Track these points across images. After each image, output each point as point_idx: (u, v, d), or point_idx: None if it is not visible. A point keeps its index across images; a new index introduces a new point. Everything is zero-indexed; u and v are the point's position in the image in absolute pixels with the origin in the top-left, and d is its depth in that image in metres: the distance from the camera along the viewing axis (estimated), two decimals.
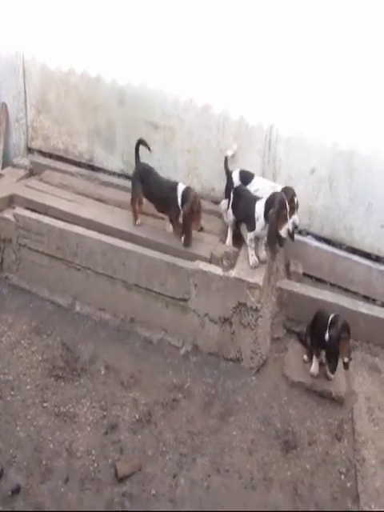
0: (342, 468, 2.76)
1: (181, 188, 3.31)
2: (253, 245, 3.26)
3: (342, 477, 2.72)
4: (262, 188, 3.42)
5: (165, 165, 4.03)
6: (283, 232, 3.11)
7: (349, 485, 2.68)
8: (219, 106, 3.81)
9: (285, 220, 3.09)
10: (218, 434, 2.83)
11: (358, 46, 3.37)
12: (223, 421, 2.90)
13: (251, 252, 3.26)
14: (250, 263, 3.25)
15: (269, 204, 3.10)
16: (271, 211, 3.06)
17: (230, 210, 3.43)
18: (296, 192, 3.41)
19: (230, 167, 3.70)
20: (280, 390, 3.13)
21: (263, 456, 2.75)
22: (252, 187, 3.45)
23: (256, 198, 3.23)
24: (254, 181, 3.52)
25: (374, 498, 2.63)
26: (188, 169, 4.05)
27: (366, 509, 2.58)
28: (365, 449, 2.85)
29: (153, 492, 2.54)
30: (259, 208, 3.15)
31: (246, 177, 3.55)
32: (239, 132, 3.82)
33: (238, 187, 3.44)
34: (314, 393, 3.12)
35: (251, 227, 3.23)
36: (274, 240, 3.16)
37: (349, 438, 2.90)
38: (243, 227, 3.47)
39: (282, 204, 3.07)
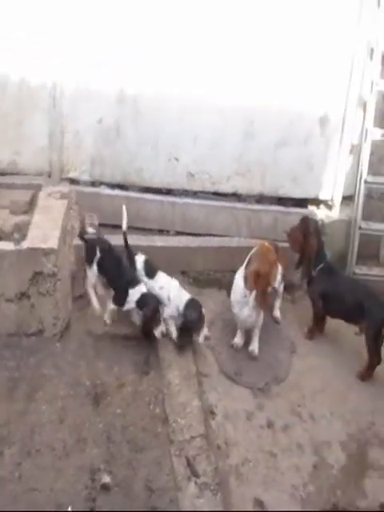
0: (151, 398, 2.91)
1: None
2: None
3: (151, 406, 2.88)
4: (166, 286, 3.32)
5: None
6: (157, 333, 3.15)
7: (158, 411, 2.85)
8: None
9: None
10: (26, 416, 2.79)
11: None
12: (30, 400, 2.87)
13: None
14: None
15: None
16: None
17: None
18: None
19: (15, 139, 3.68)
20: (86, 346, 3.15)
21: (75, 419, 2.78)
22: (156, 283, 3.32)
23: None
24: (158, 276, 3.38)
25: (180, 411, 2.82)
26: None
27: (174, 425, 2.77)
28: (170, 372, 3.02)
29: None
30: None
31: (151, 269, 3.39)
32: (20, 93, 3.69)
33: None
34: (119, 338, 3.20)
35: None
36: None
37: (155, 369, 3.04)
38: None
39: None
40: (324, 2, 3.64)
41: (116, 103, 3.75)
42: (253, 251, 3.37)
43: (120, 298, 3.13)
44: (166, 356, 3.10)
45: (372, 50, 3.82)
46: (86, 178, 3.96)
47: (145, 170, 3.95)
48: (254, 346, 3.31)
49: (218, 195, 4.08)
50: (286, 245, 3.65)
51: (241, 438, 2.83)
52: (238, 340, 3.33)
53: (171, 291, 3.25)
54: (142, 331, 3.06)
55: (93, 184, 4.00)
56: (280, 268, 3.44)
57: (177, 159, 3.95)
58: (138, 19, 3.56)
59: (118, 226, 3.93)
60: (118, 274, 3.20)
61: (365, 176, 4.00)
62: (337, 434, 2.91)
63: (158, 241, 3.76)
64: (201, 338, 3.15)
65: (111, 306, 3.24)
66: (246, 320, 3.25)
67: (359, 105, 3.98)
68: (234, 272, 3.49)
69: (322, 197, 4.20)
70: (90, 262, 3.24)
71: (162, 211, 3.99)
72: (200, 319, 3.13)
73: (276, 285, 3.43)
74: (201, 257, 3.75)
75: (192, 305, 3.19)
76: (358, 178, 4.06)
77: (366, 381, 3.26)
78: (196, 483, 2.54)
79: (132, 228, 3.93)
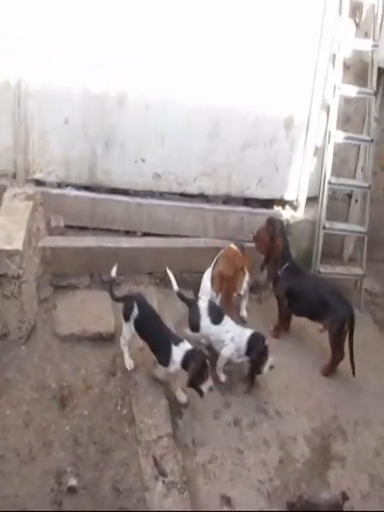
0: (118, 400, 2.89)
1: None
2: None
3: (118, 407, 2.86)
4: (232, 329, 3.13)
5: None
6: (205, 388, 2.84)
7: (125, 412, 2.84)
8: None
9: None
10: None
11: None
12: None
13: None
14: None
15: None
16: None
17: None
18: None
19: None
20: (52, 348, 3.12)
21: (41, 422, 2.75)
22: (223, 328, 3.11)
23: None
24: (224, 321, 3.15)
25: (147, 411, 2.82)
26: None
27: (142, 425, 2.77)
28: (137, 373, 3.01)
29: None
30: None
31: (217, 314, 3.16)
32: None
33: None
34: (85, 340, 3.17)
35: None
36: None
37: (123, 369, 3.03)
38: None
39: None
40: (289, 8, 3.73)
41: (82, 103, 3.70)
42: (220, 253, 3.40)
43: (163, 359, 2.86)
44: (134, 356, 3.08)
45: (334, 56, 3.94)
46: (52, 179, 3.90)
47: (112, 171, 3.92)
48: None
49: (184, 196, 4.10)
50: (252, 245, 3.72)
51: (208, 436, 2.85)
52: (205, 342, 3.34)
53: (234, 332, 3.09)
54: (189, 386, 2.82)
55: (59, 185, 3.94)
56: (246, 274, 3.49)
57: (143, 160, 3.94)
58: (103, 17, 3.54)
59: (84, 228, 3.93)
60: (157, 332, 2.93)
61: (328, 177, 4.11)
62: (302, 429, 2.97)
63: (125, 242, 3.74)
64: (265, 369, 3.04)
65: (159, 370, 2.97)
66: None
67: (323, 108, 4.09)
68: (201, 273, 3.53)
69: (287, 197, 4.29)
70: (127, 317, 2.96)
71: (128, 212, 3.97)
72: (265, 352, 3.02)
73: (242, 292, 3.48)
74: (167, 258, 3.74)
75: (255, 339, 3.05)
76: (322, 180, 4.17)
77: (329, 376, 3.34)
78: (163, 482, 2.55)
79: (98, 229, 3.95)
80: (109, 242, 3.71)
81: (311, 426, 3.01)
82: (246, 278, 3.53)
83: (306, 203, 4.26)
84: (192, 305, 3.15)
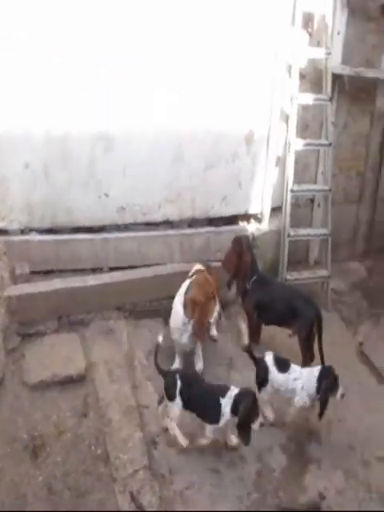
0: (91, 440, 2.83)
1: None
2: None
3: (93, 447, 2.80)
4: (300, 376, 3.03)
5: None
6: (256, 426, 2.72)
7: (99, 451, 2.78)
8: None
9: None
10: None
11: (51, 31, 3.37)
12: None
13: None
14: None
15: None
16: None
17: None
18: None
19: None
20: (21, 399, 3.06)
21: (13, 477, 2.67)
22: (291, 376, 3.02)
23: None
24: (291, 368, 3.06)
25: (122, 447, 2.76)
26: None
27: (117, 462, 2.71)
28: (110, 410, 2.96)
29: None
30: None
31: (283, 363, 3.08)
32: None
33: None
34: (55, 384, 3.12)
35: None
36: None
37: (95, 409, 2.99)
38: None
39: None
40: (244, 24, 3.79)
41: (43, 145, 3.65)
42: (191, 278, 3.37)
43: (213, 418, 2.76)
44: (104, 395, 3.05)
45: (290, 67, 4.02)
46: (14, 226, 3.83)
47: (75, 209, 3.87)
48: (200, 365, 3.32)
49: (149, 225, 4.09)
50: (219, 264, 3.70)
51: (184, 462, 2.79)
52: (177, 365, 3.31)
53: (302, 379, 2.99)
54: (240, 429, 2.70)
55: (22, 231, 3.87)
56: (217, 302, 3.47)
57: (107, 195, 3.92)
58: (59, 55, 3.48)
59: (50, 272, 3.91)
60: (204, 395, 2.81)
61: (290, 185, 4.13)
62: (277, 438, 2.92)
63: (91, 280, 3.71)
64: (338, 397, 2.92)
65: (208, 432, 2.84)
66: (186, 345, 3.26)
67: (282, 119, 4.15)
68: (171, 299, 3.51)
69: (251, 211, 4.29)
70: (172, 396, 2.81)
71: (94, 249, 3.94)
72: (336, 384, 2.93)
73: (212, 320, 3.46)
74: (135, 289, 3.73)
75: (324, 375, 2.95)
76: (285, 188, 4.17)
77: None
78: None
79: (65, 271, 3.93)
80: (75, 281, 3.68)
81: (286, 434, 2.98)
82: (217, 307, 3.51)
83: (271, 214, 4.28)
84: (259, 361, 3.05)
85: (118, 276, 3.79)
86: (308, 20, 4.06)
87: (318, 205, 4.40)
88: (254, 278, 3.52)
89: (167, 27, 3.62)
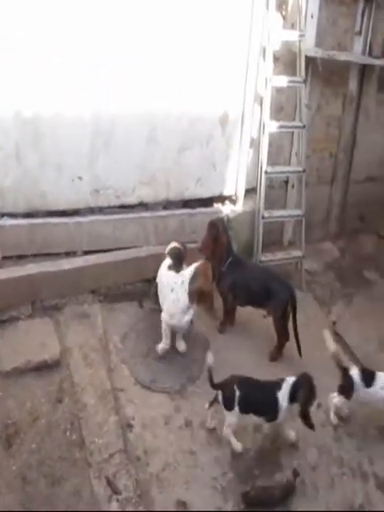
0: (67, 426, 2.81)
1: None
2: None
3: (68, 433, 2.78)
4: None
5: None
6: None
7: (74, 437, 2.76)
8: None
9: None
10: None
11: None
12: None
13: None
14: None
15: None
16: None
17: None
18: None
19: None
20: None
21: None
22: (377, 385, 2.95)
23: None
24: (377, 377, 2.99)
25: (97, 431, 2.75)
26: None
27: (92, 446, 2.70)
28: (85, 395, 2.94)
29: None
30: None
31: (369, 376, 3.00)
32: None
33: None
34: (29, 371, 3.07)
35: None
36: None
37: (70, 394, 2.96)
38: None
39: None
40: (218, 5, 3.72)
41: (14, 127, 3.54)
42: (192, 268, 3.26)
43: (273, 415, 2.76)
44: (79, 380, 3.03)
45: (264, 49, 3.97)
46: None
47: (49, 193, 3.81)
48: (182, 347, 3.34)
49: (124, 207, 4.04)
50: (194, 245, 3.69)
51: (160, 444, 2.80)
52: (166, 345, 3.29)
53: None
54: (303, 414, 2.70)
55: None
56: None
57: (80, 178, 3.85)
58: (35, 36, 3.37)
59: (23, 257, 3.84)
60: (262, 396, 2.79)
61: (265, 167, 4.11)
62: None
63: (65, 264, 3.65)
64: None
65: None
66: (183, 328, 3.27)
67: (256, 101, 4.11)
68: (146, 281, 3.48)
69: (226, 193, 4.27)
70: (230, 408, 2.75)
71: (68, 233, 3.87)
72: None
73: None
74: (110, 272, 3.69)
75: None
76: (259, 170, 4.16)
77: (276, 360, 3.34)
78: (118, 500, 2.49)
79: (39, 255, 3.86)
80: (49, 266, 3.62)
81: None
82: None
83: (245, 195, 4.26)
84: (346, 374, 2.98)
85: (92, 259, 3.74)
86: (282, 3, 4.02)
87: (292, 186, 4.40)
88: (230, 259, 3.52)
89: (139, 8, 3.53)
